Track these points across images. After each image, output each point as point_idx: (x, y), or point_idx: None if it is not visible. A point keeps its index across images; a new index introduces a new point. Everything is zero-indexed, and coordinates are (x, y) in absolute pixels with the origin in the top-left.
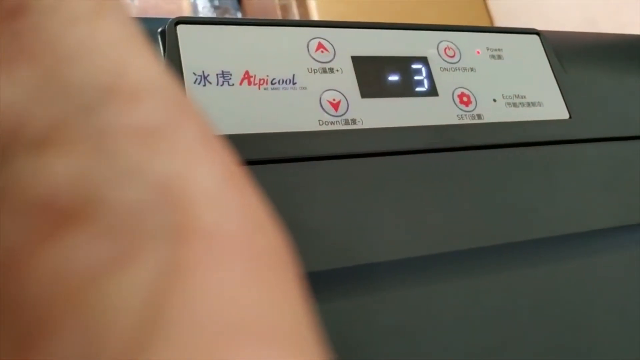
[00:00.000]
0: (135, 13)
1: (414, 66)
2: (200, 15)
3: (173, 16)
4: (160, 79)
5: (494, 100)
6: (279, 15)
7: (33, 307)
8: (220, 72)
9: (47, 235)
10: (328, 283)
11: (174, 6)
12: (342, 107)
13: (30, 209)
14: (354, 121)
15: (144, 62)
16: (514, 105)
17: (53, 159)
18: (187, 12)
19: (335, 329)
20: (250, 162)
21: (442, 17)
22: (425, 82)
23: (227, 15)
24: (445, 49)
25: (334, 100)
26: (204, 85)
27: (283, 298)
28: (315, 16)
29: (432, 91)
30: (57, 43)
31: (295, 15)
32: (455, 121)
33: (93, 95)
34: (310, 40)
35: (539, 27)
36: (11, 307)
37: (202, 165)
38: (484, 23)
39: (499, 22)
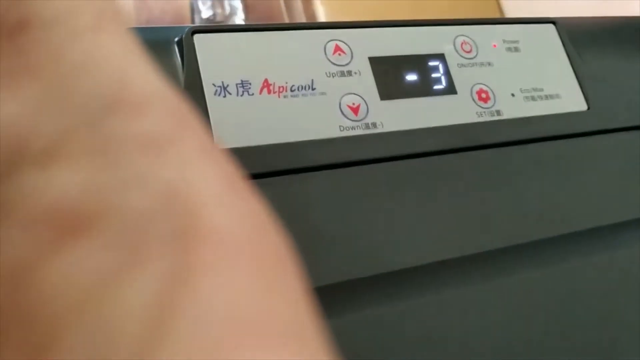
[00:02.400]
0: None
1: (431, 63)
2: (200, 8)
3: (172, 7)
4: (162, 90)
5: (512, 95)
6: (283, 10)
7: (44, 316)
8: (240, 82)
9: (56, 246)
10: (353, 291)
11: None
12: (362, 111)
13: (39, 221)
14: (374, 125)
15: (144, 73)
16: (532, 98)
17: (60, 171)
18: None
19: (366, 338)
20: (275, 173)
21: (453, 15)
22: (443, 79)
23: (227, 9)
24: (462, 43)
25: (353, 104)
26: (224, 96)
27: (289, 300)
28: (321, 13)
29: (451, 89)
30: (60, 57)
31: (300, 10)
32: (475, 119)
33: (97, 107)
34: (327, 42)
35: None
36: (22, 317)
37: (206, 171)
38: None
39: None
